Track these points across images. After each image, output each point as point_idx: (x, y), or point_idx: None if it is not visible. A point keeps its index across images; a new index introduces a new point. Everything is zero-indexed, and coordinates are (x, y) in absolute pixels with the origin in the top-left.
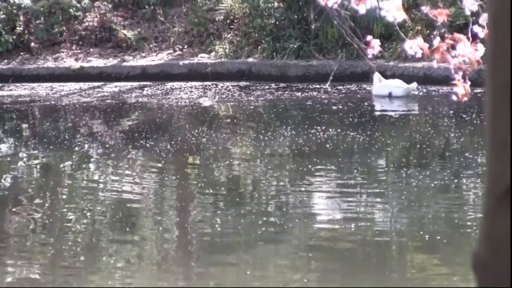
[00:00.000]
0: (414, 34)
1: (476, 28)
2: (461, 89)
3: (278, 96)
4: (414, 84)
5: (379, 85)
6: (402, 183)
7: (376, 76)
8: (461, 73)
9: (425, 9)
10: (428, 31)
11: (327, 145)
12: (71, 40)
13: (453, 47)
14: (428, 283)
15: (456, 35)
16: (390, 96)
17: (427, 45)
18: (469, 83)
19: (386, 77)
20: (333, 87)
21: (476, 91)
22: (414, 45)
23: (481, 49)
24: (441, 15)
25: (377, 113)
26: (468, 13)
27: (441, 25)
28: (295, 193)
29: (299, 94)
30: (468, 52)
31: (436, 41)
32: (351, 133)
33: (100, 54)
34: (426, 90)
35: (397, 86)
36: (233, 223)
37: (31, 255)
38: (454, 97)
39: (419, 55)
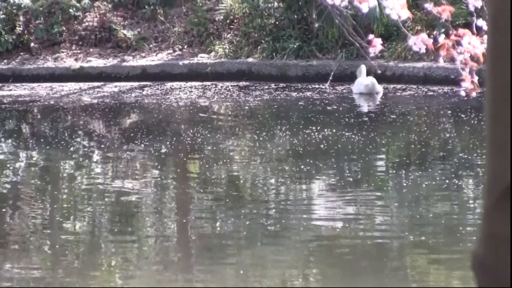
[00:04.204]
0: (414, 34)
1: (480, 22)
2: (469, 84)
3: (276, 96)
4: (374, 84)
5: (355, 82)
6: (401, 183)
7: (363, 70)
8: (467, 69)
9: (428, 6)
10: (428, 31)
11: (322, 145)
12: (71, 40)
13: (458, 43)
14: (427, 283)
15: (461, 30)
16: (357, 93)
17: (431, 40)
18: (476, 78)
19: (386, 77)
20: (332, 87)
21: (478, 90)
22: (418, 41)
23: (486, 42)
24: (445, 12)
25: (375, 113)
26: (471, 9)
27: (444, 22)
28: (294, 192)
29: (298, 94)
30: (474, 47)
31: (441, 38)
32: (347, 133)
33: (100, 54)
34: (426, 90)
35: (362, 83)
36: (232, 223)
37: (31, 255)
38: (462, 93)
39: (423, 51)
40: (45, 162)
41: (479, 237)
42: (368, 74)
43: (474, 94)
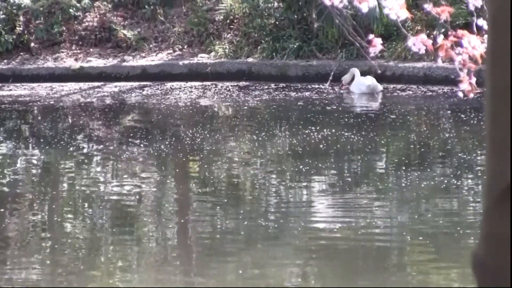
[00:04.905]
0: (414, 34)
1: (480, 22)
2: (466, 85)
3: (275, 96)
4: (375, 84)
5: (353, 82)
6: (400, 184)
7: (357, 72)
8: (466, 70)
9: (427, 6)
10: (428, 31)
11: (322, 146)
12: (71, 40)
13: (457, 44)
14: (427, 283)
15: (460, 31)
16: (358, 93)
17: (430, 41)
18: (474, 79)
19: (386, 77)
20: (332, 87)
21: (476, 91)
22: (417, 42)
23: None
24: (444, 13)
25: (375, 113)
26: (472, 8)
27: (443, 22)
28: (293, 193)
29: (298, 94)
30: (473, 47)
31: (440, 39)
32: (347, 133)
33: (100, 54)
34: (426, 90)
35: (364, 83)
36: (232, 223)
37: (31, 255)
38: (460, 94)
39: (422, 51)
40: (45, 162)
41: (480, 237)
42: (368, 74)
43: (471, 95)
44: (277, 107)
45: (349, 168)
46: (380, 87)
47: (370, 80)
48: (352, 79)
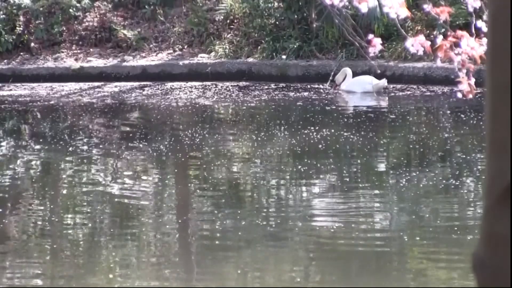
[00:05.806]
0: (414, 34)
1: (479, 23)
2: (465, 86)
3: (275, 96)
4: (383, 80)
5: (350, 81)
6: (400, 184)
7: (349, 71)
8: (465, 71)
9: (427, 7)
10: (428, 31)
11: (321, 146)
12: (71, 40)
13: (456, 44)
14: (428, 284)
15: (459, 32)
16: (362, 92)
17: (428, 42)
18: (473, 79)
19: (386, 77)
20: (332, 87)
21: (476, 91)
22: (415, 43)
23: (485, 43)
24: (443, 13)
25: (374, 113)
26: (470, 9)
27: (443, 23)
28: (293, 193)
29: (298, 94)
30: (472, 48)
31: (439, 39)
32: (346, 133)
33: (100, 54)
34: (426, 90)
35: (369, 82)
36: (232, 223)
37: (31, 255)
38: (459, 94)
39: (420, 52)
40: (45, 162)
41: (480, 237)
42: (368, 74)
43: (470, 96)
44: (276, 107)
45: (349, 168)
46: (384, 81)
47: (370, 79)
48: (344, 79)
